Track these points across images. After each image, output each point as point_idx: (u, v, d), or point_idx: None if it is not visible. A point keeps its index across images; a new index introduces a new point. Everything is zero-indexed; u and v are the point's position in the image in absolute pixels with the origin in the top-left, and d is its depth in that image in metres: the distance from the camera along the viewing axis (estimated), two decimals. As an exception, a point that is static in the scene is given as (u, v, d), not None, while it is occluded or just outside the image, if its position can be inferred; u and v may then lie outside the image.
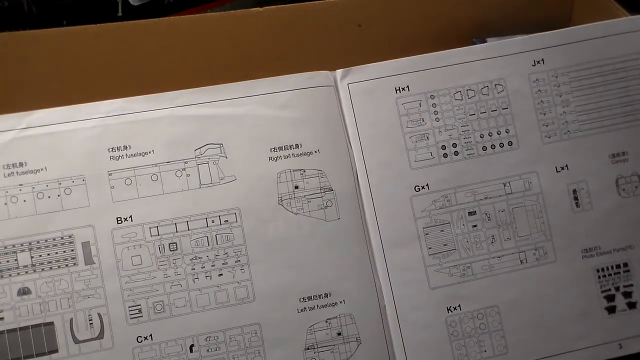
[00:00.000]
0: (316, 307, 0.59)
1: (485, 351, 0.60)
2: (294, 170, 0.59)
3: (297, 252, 0.59)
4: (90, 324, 0.56)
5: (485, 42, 0.71)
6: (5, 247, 0.55)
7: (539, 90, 0.62)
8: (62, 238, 0.56)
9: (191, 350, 0.57)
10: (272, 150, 0.59)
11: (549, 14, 0.74)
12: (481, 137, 0.61)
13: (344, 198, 0.60)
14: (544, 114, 0.62)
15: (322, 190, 0.60)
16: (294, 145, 0.60)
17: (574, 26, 0.64)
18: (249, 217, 0.59)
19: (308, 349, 0.58)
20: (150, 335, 0.57)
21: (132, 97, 0.59)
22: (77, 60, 0.67)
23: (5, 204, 0.56)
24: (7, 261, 0.55)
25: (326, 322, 0.59)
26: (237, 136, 0.59)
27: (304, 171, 0.60)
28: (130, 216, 0.57)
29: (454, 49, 0.62)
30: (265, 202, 0.59)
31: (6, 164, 0.56)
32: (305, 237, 0.59)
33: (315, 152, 0.60)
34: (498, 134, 0.61)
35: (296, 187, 0.59)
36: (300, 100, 0.61)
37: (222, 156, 0.59)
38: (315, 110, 0.61)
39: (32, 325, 0.55)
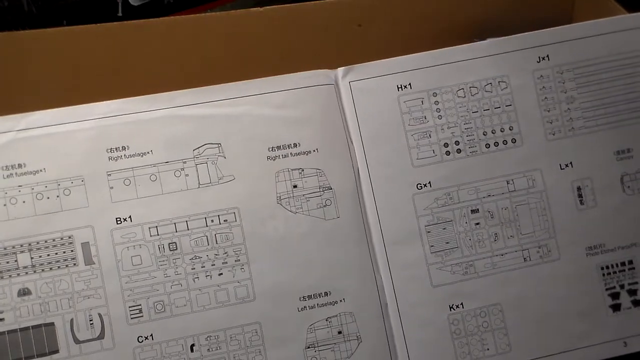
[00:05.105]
0: (316, 306, 0.59)
1: (488, 349, 0.60)
2: (292, 170, 0.59)
3: (296, 251, 0.59)
4: (91, 324, 0.56)
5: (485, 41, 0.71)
6: (5, 248, 0.56)
7: (543, 87, 0.62)
8: (61, 239, 0.56)
9: (192, 350, 0.57)
10: (271, 149, 0.59)
11: (550, 14, 0.74)
12: (484, 134, 0.61)
13: (344, 197, 0.60)
14: (548, 111, 0.61)
15: (321, 189, 0.59)
16: (293, 145, 0.60)
17: (580, 22, 0.63)
18: (248, 217, 0.59)
19: (308, 347, 0.58)
20: (151, 335, 0.57)
21: (130, 98, 0.59)
22: (77, 60, 0.67)
23: (5, 205, 0.56)
24: (7, 262, 0.56)
25: (326, 320, 0.59)
26: (236, 136, 0.59)
27: (303, 170, 0.59)
28: (130, 216, 0.57)
29: (457, 46, 0.62)
30: (264, 201, 0.59)
31: (5, 165, 0.56)
32: (304, 235, 0.59)
33: (314, 151, 0.60)
34: (501, 131, 0.61)
35: (295, 186, 0.59)
36: (299, 99, 0.60)
37: (221, 156, 0.59)
38: (315, 109, 0.61)
39: (32, 326, 0.56)
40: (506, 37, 0.63)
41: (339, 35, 0.72)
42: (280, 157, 0.59)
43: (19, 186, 0.56)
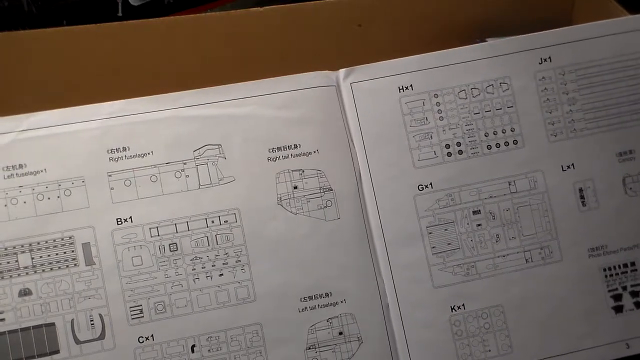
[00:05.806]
0: (317, 307, 0.59)
1: (489, 350, 0.60)
2: (292, 171, 0.59)
3: (297, 252, 0.59)
4: (92, 324, 0.56)
5: (486, 42, 0.71)
6: (6, 249, 0.56)
7: (545, 88, 0.61)
8: (62, 239, 0.56)
9: (192, 351, 0.57)
10: (271, 150, 0.59)
11: (550, 15, 0.74)
12: (486, 135, 0.61)
13: (344, 198, 0.60)
14: (550, 112, 0.61)
15: (321, 190, 0.59)
16: (293, 146, 0.60)
17: (582, 24, 0.63)
18: (249, 217, 0.59)
19: (309, 348, 0.58)
20: (152, 335, 0.57)
21: (130, 99, 0.59)
22: (77, 60, 0.67)
23: (5, 205, 0.56)
24: (8, 262, 0.56)
25: (327, 321, 0.59)
26: (236, 136, 0.59)
27: (303, 171, 0.59)
28: (130, 217, 0.57)
29: (459, 47, 0.62)
30: (265, 202, 0.59)
31: (6, 165, 0.56)
32: (305, 236, 0.59)
33: (315, 152, 0.60)
34: (503, 133, 0.61)
35: (295, 187, 0.59)
36: (300, 101, 0.60)
37: (221, 157, 0.59)
38: (315, 110, 0.61)
39: (33, 326, 0.56)
40: (508, 38, 0.63)
41: (339, 35, 0.72)
42: (281, 158, 0.59)
43: (20, 187, 0.56)
